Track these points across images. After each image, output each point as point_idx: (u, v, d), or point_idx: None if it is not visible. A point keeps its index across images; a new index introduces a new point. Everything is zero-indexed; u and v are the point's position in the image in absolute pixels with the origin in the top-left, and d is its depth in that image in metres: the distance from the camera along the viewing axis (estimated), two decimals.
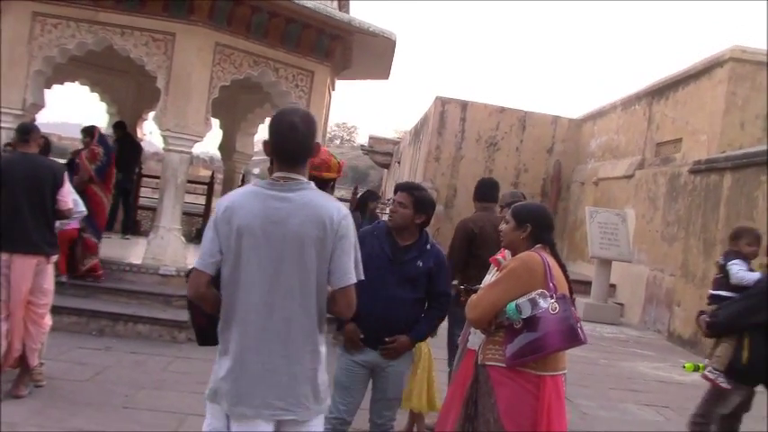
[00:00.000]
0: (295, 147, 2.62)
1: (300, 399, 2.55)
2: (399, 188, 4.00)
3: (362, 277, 2.65)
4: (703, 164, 10.98)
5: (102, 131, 8.58)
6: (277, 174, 2.62)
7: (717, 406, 4.87)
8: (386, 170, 33.65)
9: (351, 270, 2.58)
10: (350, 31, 8.82)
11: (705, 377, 4.88)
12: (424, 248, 3.93)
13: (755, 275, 4.91)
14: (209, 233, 2.60)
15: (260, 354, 2.53)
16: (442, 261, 4.01)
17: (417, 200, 3.90)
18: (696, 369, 9.02)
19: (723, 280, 5.18)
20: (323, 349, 2.64)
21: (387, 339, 3.78)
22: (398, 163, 27.75)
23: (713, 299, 5.27)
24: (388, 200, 4.24)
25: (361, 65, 10.34)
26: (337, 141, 79.34)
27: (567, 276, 3.43)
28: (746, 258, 5.11)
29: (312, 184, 2.63)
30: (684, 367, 8.92)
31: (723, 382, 4.70)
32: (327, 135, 15.27)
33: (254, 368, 2.53)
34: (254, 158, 14.54)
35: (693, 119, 12.13)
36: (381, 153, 31.04)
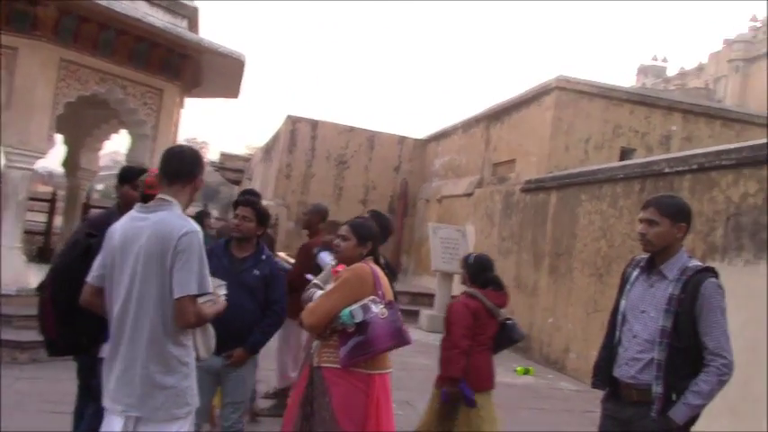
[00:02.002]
0: (175, 167, 2.95)
1: (147, 399, 2.81)
2: (242, 203, 4.31)
3: (208, 290, 2.91)
4: (533, 183, 11.92)
5: None
6: (157, 196, 2.93)
7: None
8: (237, 187, 33.46)
9: (189, 282, 2.81)
10: (200, 50, 8.97)
11: None
12: (260, 258, 4.28)
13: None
14: (100, 253, 2.98)
15: (119, 356, 2.83)
16: (277, 271, 4.36)
17: (261, 213, 4.23)
18: (526, 372, 9.86)
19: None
20: (177, 354, 2.88)
21: (224, 355, 4.01)
22: (250, 180, 27.73)
23: None
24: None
25: (212, 83, 10.49)
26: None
27: (392, 285, 3.85)
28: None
29: (175, 204, 2.90)
30: (516, 371, 9.77)
31: None
32: None
33: (115, 369, 2.84)
34: (99, 174, 14.21)
35: (525, 141, 13.11)
36: (232, 170, 30.88)
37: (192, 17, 9.36)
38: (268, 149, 22.37)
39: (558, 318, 10.51)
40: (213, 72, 9.87)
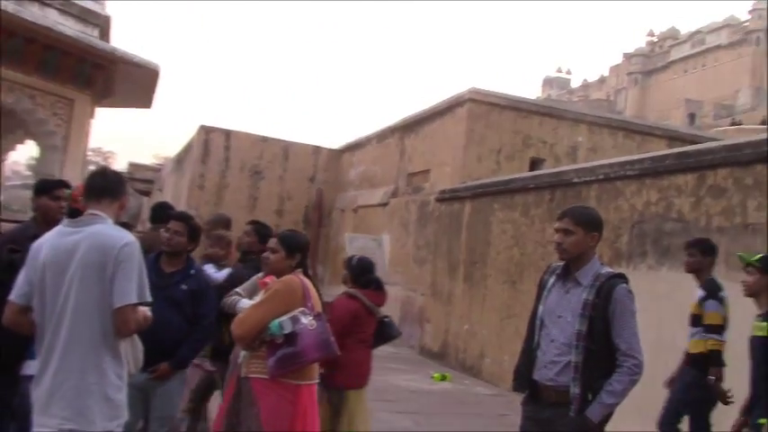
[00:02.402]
0: (101, 183, 2.99)
1: (84, 411, 2.79)
2: (174, 217, 4.29)
3: (147, 299, 2.94)
4: (448, 193, 12.18)
5: None
6: (86, 212, 2.91)
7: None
8: (146, 197, 32.72)
9: (129, 292, 2.85)
10: (112, 60, 8.81)
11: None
12: (189, 273, 4.26)
13: (222, 274, 5.33)
14: (22, 270, 2.91)
15: (51, 370, 2.79)
16: (206, 286, 4.35)
17: (192, 228, 4.22)
18: (443, 378, 10.04)
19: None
20: (113, 365, 2.89)
21: (149, 370, 3.95)
22: (160, 190, 27.17)
23: None
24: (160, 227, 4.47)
25: (124, 93, 10.29)
26: (92, 167, 75.34)
27: (320, 296, 3.92)
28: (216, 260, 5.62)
29: (108, 218, 2.91)
30: (433, 377, 9.95)
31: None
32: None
33: (45, 383, 2.79)
34: (6, 184, 13.68)
35: (439, 152, 13.38)
36: (141, 180, 30.13)
37: (104, 26, 9.18)
38: (180, 160, 22.00)
39: (474, 324, 10.76)
40: (126, 82, 9.70)
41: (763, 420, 4.31)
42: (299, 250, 3.86)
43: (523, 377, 3.40)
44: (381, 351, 12.36)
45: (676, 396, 5.56)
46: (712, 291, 5.29)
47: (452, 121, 12.97)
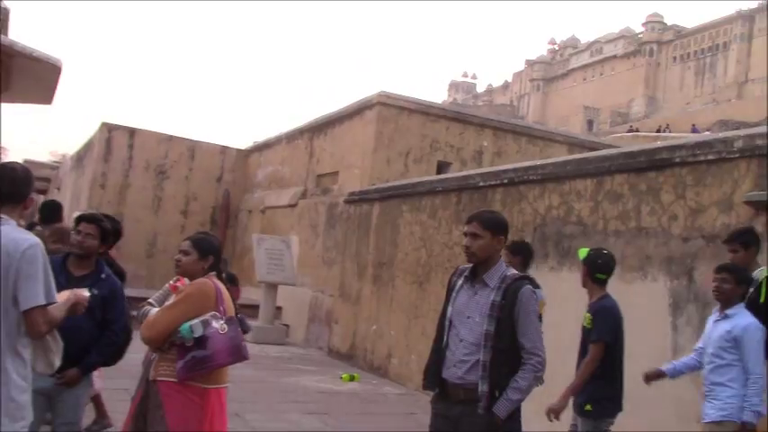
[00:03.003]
0: (8, 188, 2.90)
1: None
2: (85, 219, 4.18)
3: (54, 300, 2.90)
4: (357, 195, 12.27)
5: None
6: None
7: None
8: (42, 196, 31.48)
9: (37, 294, 2.82)
10: (10, 54, 8.46)
11: None
12: (99, 278, 4.16)
13: None
14: None
15: None
16: (117, 290, 4.26)
17: (104, 231, 4.13)
18: (351, 379, 10.12)
19: None
20: (18, 367, 2.83)
21: (57, 375, 3.86)
22: (58, 189, 26.21)
23: None
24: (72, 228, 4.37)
25: (23, 88, 9.89)
26: None
27: (234, 300, 3.93)
28: None
29: (11, 221, 2.83)
30: (342, 378, 10.01)
31: None
32: None
33: None
34: None
35: (348, 154, 13.47)
36: (38, 178, 28.98)
37: (2, 19, 8.80)
38: (80, 158, 21.28)
39: (381, 325, 10.89)
40: (25, 76, 9.33)
41: (588, 407, 4.72)
42: (212, 253, 3.85)
43: (433, 376, 3.51)
44: (289, 353, 12.39)
45: None
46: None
47: (361, 124, 13.08)
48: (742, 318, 4.41)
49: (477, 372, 3.29)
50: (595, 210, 7.09)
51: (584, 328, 5.02)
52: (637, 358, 6.22)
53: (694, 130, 64.49)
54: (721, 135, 6.24)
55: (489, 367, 3.27)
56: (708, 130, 48.81)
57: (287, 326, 13.79)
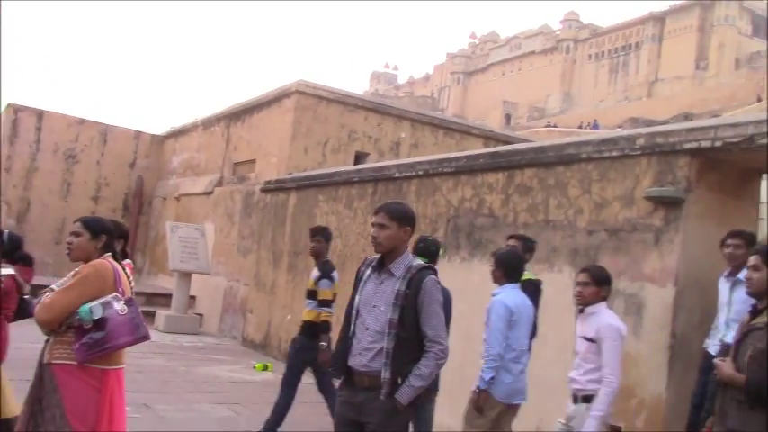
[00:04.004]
0: None
1: None
2: None
3: None
4: (273, 183, 12.19)
5: None
6: None
7: None
8: None
9: None
10: None
11: None
12: None
13: None
14: None
15: None
16: None
17: None
18: (265, 368, 10.08)
19: None
20: None
21: None
22: None
23: None
24: None
25: None
26: None
27: (130, 281, 3.90)
28: None
29: None
30: (255, 367, 9.96)
31: None
32: None
33: None
34: None
35: (266, 142, 13.36)
36: None
37: None
38: None
39: (296, 314, 10.84)
40: None
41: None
42: (104, 232, 3.81)
43: (340, 363, 3.55)
44: (203, 343, 12.25)
45: (290, 360, 6.64)
46: (326, 271, 6.54)
47: (279, 112, 12.99)
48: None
49: (381, 359, 3.34)
50: (506, 202, 7.26)
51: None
52: (546, 346, 6.44)
53: (594, 126, 66.97)
54: (625, 132, 6.49)
55: (392, 355, 3.33)
56: (619, 127, 50.50)
57: (200, 315, 13.60)
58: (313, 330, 6.50)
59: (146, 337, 3.73)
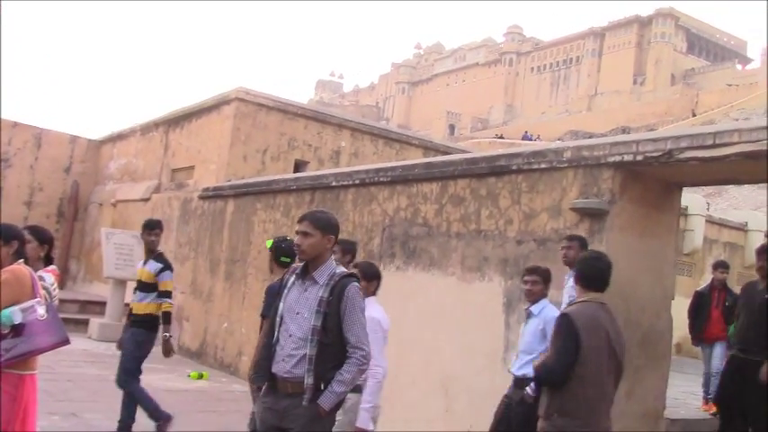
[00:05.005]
0: None
1: None
2: None
3: None
4: (211, 191, 12.12)
5: None
6: None
7: None
8: None
9: None
10: None
11: None
12: None
13: None
14: None
15: None
16: None
17: None
18: (200, 377, 9.99)
19: None
20: None
21: None
22: None
23: None
24: None
25: None
26: None
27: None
28: None
29: None
30: (189, 376, 9.87)
31: None
32: None
33: None
34: None
35: (205, 149, 13.26)
36: None
37: None
38: None
39: (233, 323, 10.82)
40: None
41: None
42: (16, 238, 3.79)
43: (263, 370, 3.58)
44: None
45: (131, 354, 6.55)
46: (167, 264, 6.70)
47: (219, 119, 12.92)
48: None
49: (304, 365, 3.39)
50: (440, 212, 7.37)
51: None
52: (475, 353, 6.57)
53: (525, 137, 68.34)
54: (553, 145, 6.66)
55: (315, 361, 3.37)
56: (559, 139, 51.53)
57: None
58: (154, 323, 6.62)
59: (66, 342, 3.74)
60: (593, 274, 4.07)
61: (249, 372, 4.40)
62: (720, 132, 5.10)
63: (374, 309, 4.75)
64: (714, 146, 5.07)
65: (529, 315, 5.20)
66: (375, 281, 4.94)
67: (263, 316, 5.16)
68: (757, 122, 5.09)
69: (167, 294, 6.66)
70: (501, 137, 72.39)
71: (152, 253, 6.80)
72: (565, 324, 3.92)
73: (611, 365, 3.98)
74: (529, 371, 4.74)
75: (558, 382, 3.90)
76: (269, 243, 5.73)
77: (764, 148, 4.75)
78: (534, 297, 5.16)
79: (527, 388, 4.89)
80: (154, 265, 6.68)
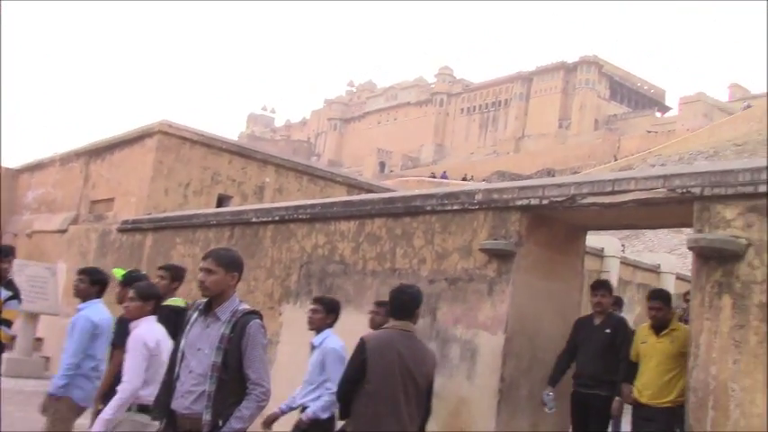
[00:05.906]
0: None
1: None
2: None
3: None
4: (130, 223, 11.94)
5: None
6: None
7: None
8: None
9: None
10: None
11: None
12: None
13: None
14: None
15: None
16: None
17: None
18: None
19: None
20: None
21: None
22: None
23: None
24: None
25: None
26: None
27: None
28: None
29: None
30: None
31: None
32: None
33: None
34: None
35: (126, 181, 13.07)
36: None
37: None
38: None
39: None
40: None
41: None
42: None
43: (163, 406, 3.58)
44: (47, 386, 11.64)
45: None
46: (17, 292, 6.60)
47: (141, 152, 12.78)
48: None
49: (203, 402, 3.41)
50: (356, 250, 7.47)
51: None
52: None
53: (443, 176, 69.74)
54: (466, 187, 6.86)
55: (214, 397, 3.40)
56: (484, 180, 52.57)
57: (47, 358, 12.98)
58: None
59: None
60: (397, 304, 4.60)
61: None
62: (618, 180, 5.38)
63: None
64: (612, 192, 5.33)
65: (312, 347, 5.60)
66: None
67: (114, 345, 5.52)
68: (652, 171, 5.40)
69: (8, 323, 6.55)
70: (434, 175, 73.49)
71: (2, 280, 6.62)
72: (357, 346, 4.42)
73: (408, 387, 4.31)
74: (309, 399, 5.38)
75: (339, 394, 4.40)
76: (118, 273, 6.08)
77: (658, 195, 5.03)
78: (315, 326, 5.68)
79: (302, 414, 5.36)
80: (3, 293, 6.53)
